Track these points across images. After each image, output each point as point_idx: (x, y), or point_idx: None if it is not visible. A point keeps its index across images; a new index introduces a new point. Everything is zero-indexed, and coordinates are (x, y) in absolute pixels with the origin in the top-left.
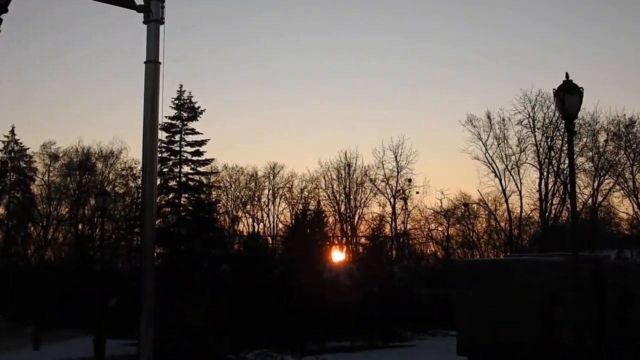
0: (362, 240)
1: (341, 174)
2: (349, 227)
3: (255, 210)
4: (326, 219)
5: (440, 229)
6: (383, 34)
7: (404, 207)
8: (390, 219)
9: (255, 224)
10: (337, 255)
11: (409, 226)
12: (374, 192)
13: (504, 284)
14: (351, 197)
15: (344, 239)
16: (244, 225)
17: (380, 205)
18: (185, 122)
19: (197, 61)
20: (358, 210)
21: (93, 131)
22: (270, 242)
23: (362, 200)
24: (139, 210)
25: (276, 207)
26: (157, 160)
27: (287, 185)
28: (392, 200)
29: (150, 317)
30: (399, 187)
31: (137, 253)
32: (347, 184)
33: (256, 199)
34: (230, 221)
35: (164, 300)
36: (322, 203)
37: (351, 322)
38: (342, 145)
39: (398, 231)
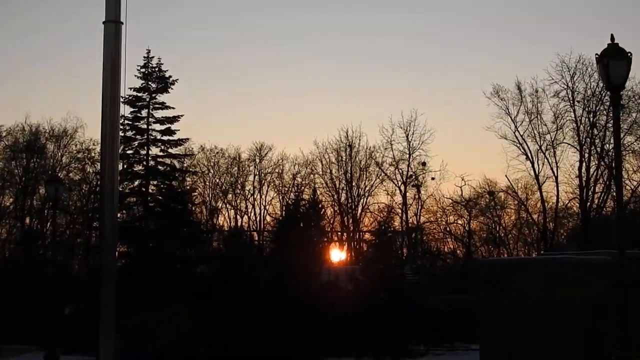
0: (367, 236)
1: (341, 157)
2: (350, 221)
3: (239, 201)
4: (323, 210)
5: (460, 222)
6: None
7: (417, 196)
8: (400, 211)
9: (238, 216)
10: (337, 254)
11: (422, 219)
12: (380, 178)
13: (536, 289)
14: (353, 184)
15: (345, 234)
16: (224, 218)
17: (388, 194)
18: (154, 95)
19: (167, 21)
20: (362, 200)
21: (42, 106)
22: (257, 238)
23: (367, 188)
24: (98, 200)
25: (263, 197)
26: (119, 141)
27: (277, 170)
28: (402, 188)
29: (112, 330)
30: (410, 172)
31: (96, 252)
32: (349, 168)
33: (239, 186)
34: (209, 213)
35: (128, 309)
36: (318, 191)
37: (354, 335)
38: (343, 121)
39: (410, 225)
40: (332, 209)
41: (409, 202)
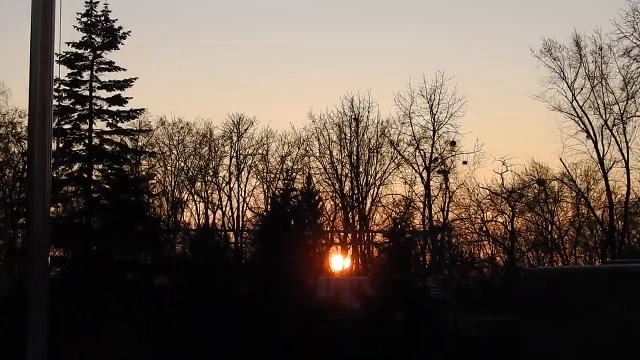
0: (378, 237)
1: (345, 134)
2: (357, 218)
3: (210, 191)
4: (322, 204)
5: (500, 220)
6: None
7: (444, 186)
8: (422, 205)
9: (209, 211)
10: (339, 261)
11: (451, 216)
12: (396, 161)
13: (601, 308)
14: (361, 169)
15: (350, 235)
16: (192, 213)
17: (406, 183)
18: (99, 52)
19: None
20: (371, 191)
21: None
22: (234, 240)
23: (378, 176)
24: (25, 190)
25: (242, 186)
26: (52, 112)
27: (260, 152)
28: (424, 174)
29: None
30: (435, 155)
31: (23, 257)
32: (355, 149)
33: (211, 172)
34: (171, 207)
35: (63, 332)
36: (315, 179)
37: None
38: (346, 88)
39: (434, 224)
40: (332, 202)
41: (433, 194)
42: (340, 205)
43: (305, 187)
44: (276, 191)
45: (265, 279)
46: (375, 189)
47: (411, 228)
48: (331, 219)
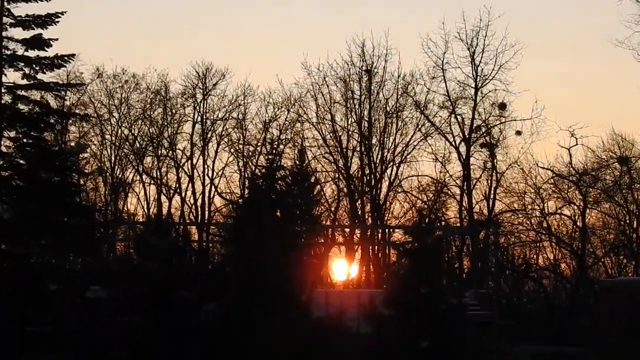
0: (397, 235)
1: (352, 92)
2: (368, 208)
3: (165, 169)
4: (319, 189)
5: (567, 212)
6: None
7: (490, 165)
8: (458, 190)
9: (164, 197)
10: (342, 268)
11: (499, 206)
12: (423, 130)
13: None
14: (374, 141)
15: (359, 232)
16: (139, 200)
17: (436, 161)
18: None
19: None
20: (389, 172)
21: None
22: (198, 237)
23: (399, 150)
24: None
25: (210, 163)
26: None
27: (235, 116)
28: (463, 149)
29: None
30: (478, 122)
31: None
32: (366, 113)
33: (166, 143)
34: (111, 191)
35: None
36: (310, 154)
37: None
38: (355, 29)
39: (476, 217)
40: (334, 187)
41: (474, 176)
42: (345, 190)
43: (297, 165)
44: (257, 170)
45: (240, 295)
46: (394, 168)
47: (443, 223)
48: (333, 209)
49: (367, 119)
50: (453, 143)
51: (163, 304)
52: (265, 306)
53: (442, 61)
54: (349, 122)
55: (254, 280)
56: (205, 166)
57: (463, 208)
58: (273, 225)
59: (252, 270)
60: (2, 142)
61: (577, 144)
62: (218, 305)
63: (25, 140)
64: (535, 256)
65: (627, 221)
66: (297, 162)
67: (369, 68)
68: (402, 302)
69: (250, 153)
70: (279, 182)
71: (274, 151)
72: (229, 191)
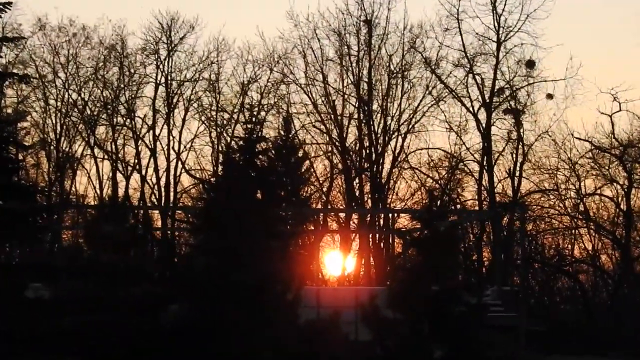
0: (403, 220)
1: (349, 48)
2: (367, 188)
3: (122, 141)
4: (308, 164)
5: (609, 192)
6: None
7: (515, 135)
8: (477, 166)
9: (120, 174)
10: (337, 262)
11: (526, 185)
12: (434, 93)
13: None
14: (375, 107)
15: (356, 217)
16: (90, 179)
17: (451, 130)
18: None
19: None
20: (393, 144)
21: None
22: (161, 223)
23: (405, 118)
24: None
25: (176, 133)
26: None
27: (206, 76)
28: (482, 117)
29: None
30: (501, 83)
31: None
32: (365, 72)
33: (123, 110)
34: (56, 168)
35: None
36: (297, 123)
37: None
38: None
39: (498, 199)
40: (327, 162)
41: (496, 149)
42: (340, 166)
43: (281, 137)
44: (233, 143)
45: (212, 294)
46: (400, 139)
47: (459, 206)
48: (325, 189)
49: (366, 80)
50: (471, 109)
51: (118, 304)
52: (243, 307)
53: (458, 10)
54: (345, 84)
55: (228, 276)
56: (171, 137)
57: (483, 188)
58: (253, 209)
59: (227, 264)
60: None
61: (620, 110)
62: (185, 305)
63: None
64: (570, 246)
65: None
66: (282, 133)
67: (368, 18)
68: (410, 302)
69: (225, 122)
70: (260, 156)
71: (253, 119)
72: (199, 168)
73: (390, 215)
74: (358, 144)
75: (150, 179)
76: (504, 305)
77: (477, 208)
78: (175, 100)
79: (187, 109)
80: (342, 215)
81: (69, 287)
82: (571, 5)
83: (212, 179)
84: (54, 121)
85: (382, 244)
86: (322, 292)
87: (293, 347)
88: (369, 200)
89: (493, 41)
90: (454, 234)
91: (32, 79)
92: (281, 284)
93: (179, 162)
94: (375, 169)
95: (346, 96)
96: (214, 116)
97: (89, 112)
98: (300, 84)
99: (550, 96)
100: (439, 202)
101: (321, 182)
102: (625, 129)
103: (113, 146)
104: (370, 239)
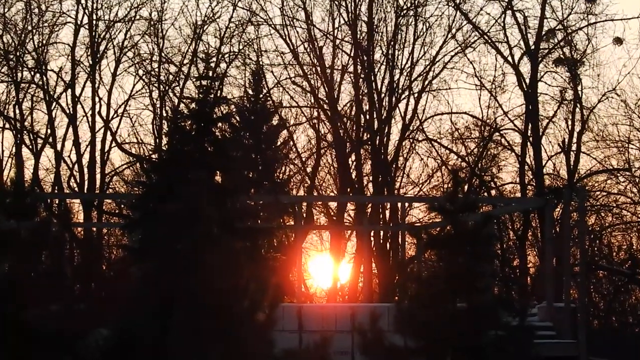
0: (417, 211)
1: None
2: (368, 165)
3: (29, 104)
4: (286, 135)
5: None
6: None
7: (570, 96)
8: (518, 137)
9: (26, 148)
10: (325, 270)
11: (586, 162)
12: (459, 36)
13: None
14: (377, 56)
15: (353, 207)
16: None
17: (481, 87)
18: None
19: None
20: (402, 106)
21: None
22: (83, 217)
23: (418, 69)
24: None
25: (104, 93)
26: None
27: (145, 15)
28: (526, 68)
29: None
30: (550, 23)
31: None
32: (364, 8)
33: (31, 61)
34: None
35: None
36: (270, 78)
37: None
38: None
39: (548, 181)
40: (312, 132)
41: (544, 113)
42: (329, 138)
43: (249, 98)
44: (182, 106)
45: (154, 313)
46: (412, 101)
47: (494, 192)
48: (308, 169)
49: (365, 20)
50: (509, 59)
51: (19, 327)
52: (195, 332)
53: None
54: (336, 25)
55: (175, 290)
56: (97, 99)
57: (527, 167)
58: (209, 197)
59: (172, 274)
60: None
61: None
62: (116, 330)
63: None
64: None
65: None
66: (251, 92)
67: None
68: (426, 324)
69: (171, 77)
70: (220, 125)
71: (210, 74)
72: (135, 141)
73: (399, 205)
74: (355, 108)
75: (69, 156)
76: (557, 328)
77: (518, 195)
78: (102, 48)
79: (119, 60)
80: (333, 205)
81: None
82: None
83: (153, 156)
84: None
85: (388, 245)
86: (306, 310)
87: None
88: (370, 185)
89: None
90: (488, 230)
91: None
92: (249, 300)
93: (108, 133)
94: (378, 141)
95: (338, 41)
96: (156, 70)
97: None
98: (274, 26)
99: (619, 41)
100: (466, 187)
101: (304, 159)
102: None
103: (16, 111)
104: (372, 238)
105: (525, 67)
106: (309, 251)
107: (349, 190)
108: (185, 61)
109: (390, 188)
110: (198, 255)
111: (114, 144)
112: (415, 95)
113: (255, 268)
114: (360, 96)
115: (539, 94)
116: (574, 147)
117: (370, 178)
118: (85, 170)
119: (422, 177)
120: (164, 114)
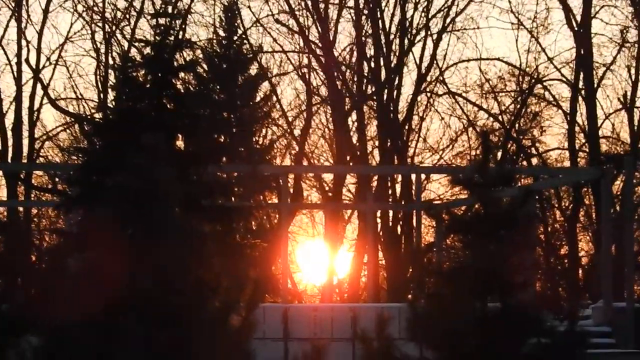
0: (436, 185)
1: None
2: (373, 127)
3: None
4: (268, 88)
5: None
6: None
7: (635, 37)
8: (567, 90)
9: None
10: (318, 261)
11: None
12: None
13: None
14: None
15: (352, 180)
16: None
17: (519, 25)
18: None
19: None
20: (417, 49)
21: None
22: (7, 194)
23: (438, 2)
24: None
25: (32, 35)
26: None
27: None
28: (576, 1)
29: None
30: None
31: None
32: None
33: None
34: None
35: None
36: (247, 16)
37: None
38: None
39: (605, 147)
40: (301, 84)
41: (600, 59)
42: (323, 91)
43: (220, 40)
44: (133, 51)
45: (98, 321)
46: (429, 43)
47: (536, 160)
48: (294, 131)
49: None
50: None
51: None
52: (151, 339)
53: None
54: None
55: (125, 287)
56: (23, 42)
57: (577, 128)
58: (168, 167)
59: (122, 266)
60: None
61: None
62: (49, 336)
63: None
64: None
65: None
66: (223, 34)
67: None
68: (448, 330)
69: (119, 14)
70: (183, 75)
71: (169, 10)
72: (73, 96)
73: (413, 177)
74: (355, 53)
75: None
76: (617, 334)
77: (567, 164)
78: None
79: None
80: (328, 177)
81: None
82: None
83: (96, 116)
84: None
85: (398, 229)
86: (293, 312)
87: None
88: (376, 152)
89: None
90: (528, 209)
91: None
92: (220, 299)
93: (38, 86)
94: (386, 96)
95: None
96: (100, 5)
97: None
98: None
99: None
100: (499, 154)
101: (291, 119)
102: None
103: None
104: (379, 220)
105: (576, 1)
106: (298, 237)
107: (348, 158)
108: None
109: (401, 156)
110: (154, 243)
111: (45, 101)
112: (434, 36)
113: (228, 258)
114: (364, 38)
115: (593, 35)
116: (638, 103)
117: (376, 143)
118: (9, 134)
119: (443, 142)
120: (110, 62)
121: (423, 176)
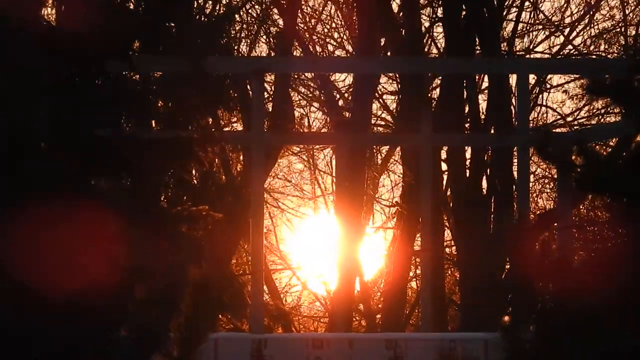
0: (557, 96)
1: None
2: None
3: None
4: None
5: None
6: None
7: None
8: None
9: None
10: (322, 246)
11: None
12: None
13: None
14: None
15: (396, 113)
16: None
17: None
18: None
19: None
20: None
21: None
22: None
23: None
24: None
25: None
26: None
27: None
28: None
29: None
30: None
31: None
32: None
33: None
34: None
35: None
36: None
37: None
38: None
39: None
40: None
41: None
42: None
43: None
44: None
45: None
46: None
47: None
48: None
49: None
50: None
51: None
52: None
53: None
54: None
55: (29, 279)
56: None
57: None
58: (93, 126)
59: (28, 247)
60: None
61: None
62: None
63: None
64: None
65: None
66: None
67: None
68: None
69: None
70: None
71: None
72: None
73: (513, 79)
74: None
75: None
76: None
77: None
78: None
79: None
80: (340, 80)
81: None
82: None
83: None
84: None
85: (484, 183)
86: (273, 349)
87: None
88: (439, 33)
89: None
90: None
91: None
92: (137, 316)
93: None
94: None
95: None
96: None
97: None
98: None
99: None
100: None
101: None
102: None
103: None
104: (445, 168)
105: None
106: (285, 201)
107: (381, 43)
108: None
109: (486, 41)
110: (19, 216)
111: None
112: None
113: (150, 242)
114: None
115: None
116: None
117: (440, 14)
118: None
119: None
120: None
121: (532, 78)
